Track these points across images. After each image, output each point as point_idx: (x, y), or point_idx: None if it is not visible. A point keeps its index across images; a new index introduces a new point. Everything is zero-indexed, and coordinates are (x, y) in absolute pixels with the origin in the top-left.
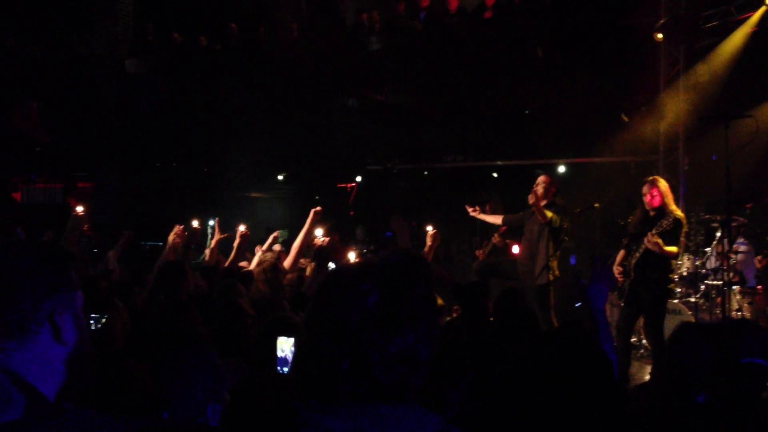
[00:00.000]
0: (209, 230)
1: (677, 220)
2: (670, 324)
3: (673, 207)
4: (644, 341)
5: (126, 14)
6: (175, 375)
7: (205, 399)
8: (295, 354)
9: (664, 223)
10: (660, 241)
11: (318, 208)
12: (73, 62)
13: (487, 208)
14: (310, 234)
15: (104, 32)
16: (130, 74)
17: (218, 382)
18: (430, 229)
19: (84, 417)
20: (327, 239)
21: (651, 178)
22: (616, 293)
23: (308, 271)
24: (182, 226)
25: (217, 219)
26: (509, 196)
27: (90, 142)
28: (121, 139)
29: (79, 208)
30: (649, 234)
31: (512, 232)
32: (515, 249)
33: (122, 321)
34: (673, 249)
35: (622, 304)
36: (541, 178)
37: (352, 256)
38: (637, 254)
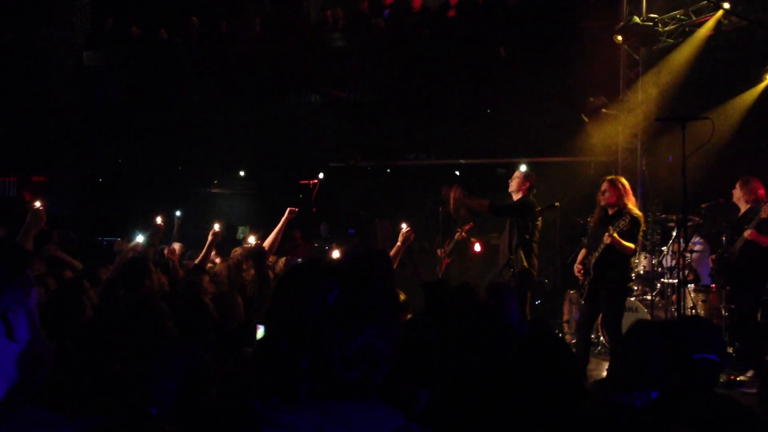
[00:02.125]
0: (175, 221)
1: (634, 220)
2: (626, 321)
3: (630, 206)
4: (602, 338)
5: (84, 5)
6: (160, 371)
7: (191, 393)
8: (255, 351)
9: (621, 223)
10: (615, 234)
11: (294, 208)
12: (29, 53)
13: (450, 207)
14: (281, 233)
15: (61, 23)
16: (87, 66)
17: (204, 376)
18: (404, 226)
19: (36, 416)
20: (259, 243)
21: (609, 177)
22: (576, 291)
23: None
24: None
25: (179, 218)
26: (471, 195)
27: (45, 134)
28: (77, 132)
29: (38, 203)
30: (606, 234)
31: (476, 229)
32: (477, 247)
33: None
34: (630, 245)
35: (582, 302)
36: (516, 173)
37: (336, 254)
38: (596, 253)
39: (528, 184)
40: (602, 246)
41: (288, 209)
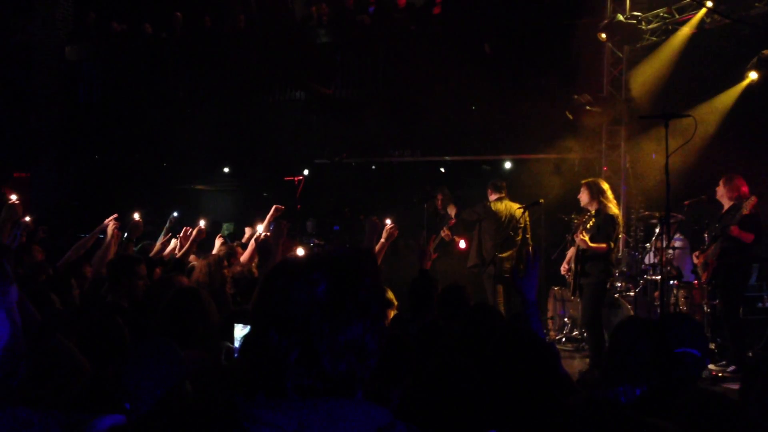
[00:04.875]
0: (168, 223)
1: (607, 218)
2: (612, 318)
3: (608, 205)
4: (585, 334)
5: None
6: (135, 366)
7: (167, 389)
8: (242, 346)
9: (588, 224)
10: (586, 238)
11: (280, 206)
12: (10, 48)
13: (438, 202)
14: (267, 230)
15: (43, 17)
16: (69, 61)
17: (180, 371)
18: (388, 222)
19: (18, 414)
20: (268, 234)
21: (585, 180)
22: (560, 288)
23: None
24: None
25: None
26: (456, 191)
27: (27, 130)
28: (59, 128)
29: (14, 197)
30: (576, 235)
31: (461, 227)
32: (462, 244)
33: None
34: (602, 244)
35: (573, 298)
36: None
37: (300, 252)
38: (576, 249)
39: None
40: (578, 244)
41: (274, 206)
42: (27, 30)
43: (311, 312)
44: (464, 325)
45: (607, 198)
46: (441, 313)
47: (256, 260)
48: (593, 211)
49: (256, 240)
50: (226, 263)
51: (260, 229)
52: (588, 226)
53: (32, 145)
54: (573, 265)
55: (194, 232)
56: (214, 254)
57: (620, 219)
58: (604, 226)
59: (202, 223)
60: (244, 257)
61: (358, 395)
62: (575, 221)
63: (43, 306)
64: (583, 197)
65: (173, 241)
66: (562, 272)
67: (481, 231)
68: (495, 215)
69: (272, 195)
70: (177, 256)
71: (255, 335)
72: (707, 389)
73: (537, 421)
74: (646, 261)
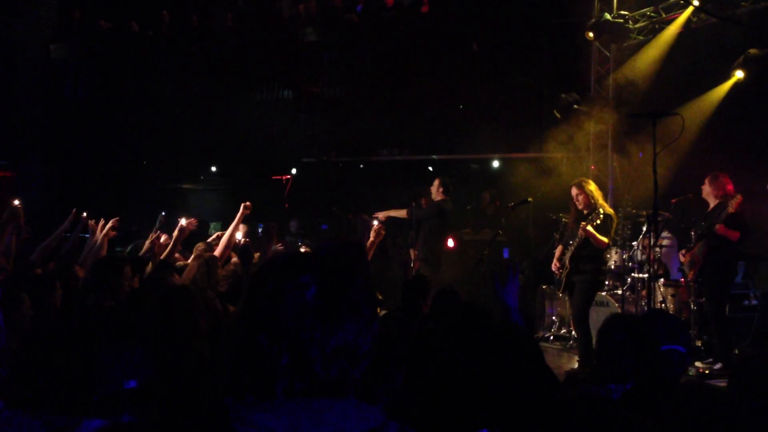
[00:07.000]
0: (157, 223)
1: (607, 216)
2: (598, 316)
3: (601, 202)
4: (574, 332)
5: None
6: (100, 366)
7: (123, 376)
8: (231, 349)
9: (597, 220)
10: (593, 230)
11: (248, 203)
12: None
13: (423, 201)
14: (238, 228)
15: (28, 15)
16: (54, 60)
17: (144, 372)
18: (375, 223)
19: (1, 414)
20: (248, 240)
21: (578, 180)
22: (549, 287)
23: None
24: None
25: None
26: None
27: (12, 129)
28: (45, 127)
29: (16, 202)
30: (581, 226)
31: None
32: (450, 243)
33: (23, 316)
34: (604, 239)
35: (560, 294)
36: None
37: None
38: (572, 248)
39: (442, 189)
40: (578, 239)
41: (242, 205)
42: (12, 28)
43: (302, 316)
44: (455, 325)
45: (598, 196)
46: (432, 315)
47: (234, 260)
48: (586, 212)
49: (236, 245)
50: (220, 263)
51: (239, 236)
52: (596, 222)
53: (17, 144)
54: (567, 262)
55: (176, 231)
56: (209, 253)
57: (615, 218)
58: (604, 223)
59: (183, 222)
60: (215, 255)
61: (350, 396)
62: (563, 220)
63: (13, 307)
64: (584, 198)
65: (164, 237)
66: (553, 269)
67: (431, 228)
68: (447, 216)
69: (257, 195)
70: (162, 256)
71: (243, 340)
72: (694, 381)
73: (528, 419)
74: (634, 259)
